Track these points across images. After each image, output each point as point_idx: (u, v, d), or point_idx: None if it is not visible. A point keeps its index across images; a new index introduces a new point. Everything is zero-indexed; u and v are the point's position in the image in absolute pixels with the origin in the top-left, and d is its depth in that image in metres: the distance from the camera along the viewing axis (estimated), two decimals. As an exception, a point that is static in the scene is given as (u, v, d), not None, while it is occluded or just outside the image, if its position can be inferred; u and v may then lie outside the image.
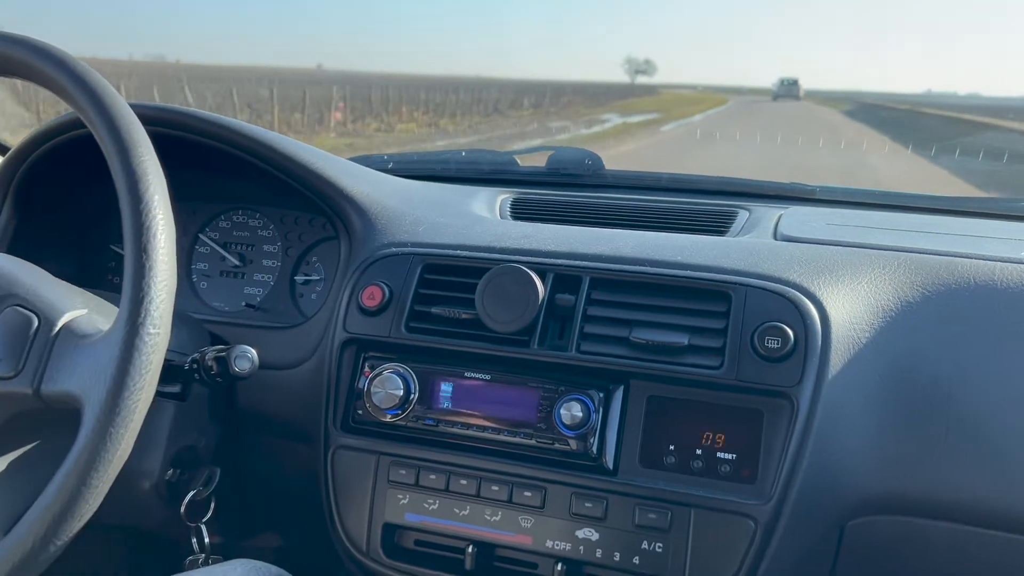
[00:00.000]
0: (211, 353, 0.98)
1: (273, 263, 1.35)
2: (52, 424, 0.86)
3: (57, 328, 0.82)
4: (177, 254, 0.81)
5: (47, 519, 0.73)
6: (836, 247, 1.11)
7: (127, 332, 0.75)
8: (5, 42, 0.86)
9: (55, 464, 0.75)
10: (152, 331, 0.76)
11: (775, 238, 1.18)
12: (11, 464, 0.86)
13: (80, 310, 0.85)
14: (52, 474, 0.75)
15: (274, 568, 1.00)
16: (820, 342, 0.96)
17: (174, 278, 0.79)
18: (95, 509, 0.75)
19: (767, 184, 1.53)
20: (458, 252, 1.12)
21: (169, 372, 0.82)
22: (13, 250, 1.27)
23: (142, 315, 0.76)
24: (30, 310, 0.83)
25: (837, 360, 0.96)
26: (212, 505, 1.14)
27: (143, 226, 0.78)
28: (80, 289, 0.92)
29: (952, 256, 1.08)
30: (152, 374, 0.76)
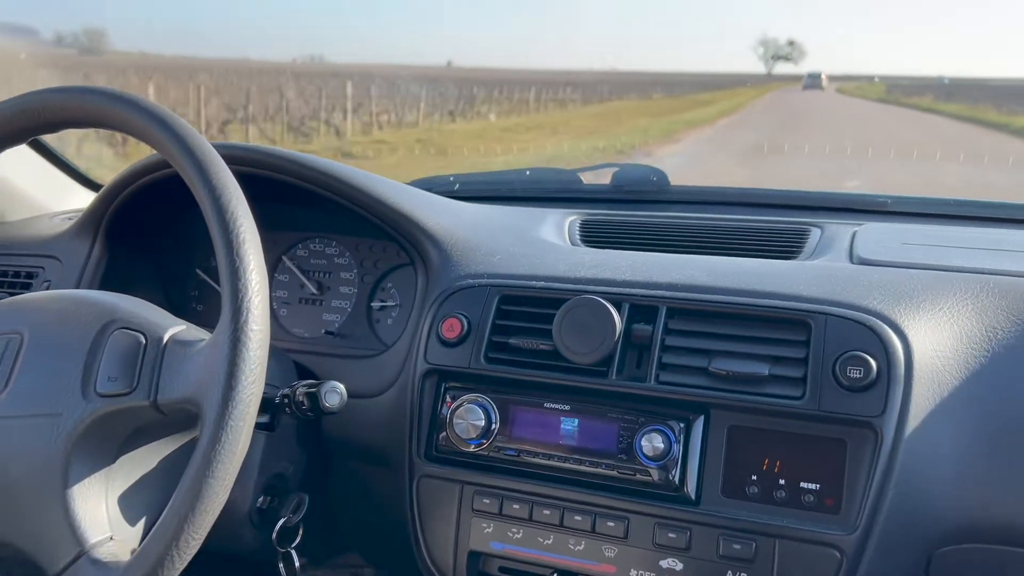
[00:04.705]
0: (302, 388, 1.01)
1: (350, 290, 1.39)
2: (171, 441, 0.91)
3: (164, 342, 0.86)
4: None
5: (183, 512, 0.75)
6: (915, 270, 1.10)
7: (232, 330, 0.79)
8: (104, 97, 0.90)
9: (178, 477, 0.78)
10: (255, 327, 0.80)
11: (851, 261, 1.18)
12: (137, 479, 0.89)
13: (181, 326, 0.89)
14: (175, 485, 0.78)
15: None
16: (903, 371, 0.95)
17: (266, 281, 0.83)
18: (223, 502, 0.78)
19: (837, 196, 1.52)
20: (533, 283, 1.13)
21: (260, 404, 0.85)
22: (104, 284, 1.33)
23: (244, 314, 0.79)
24: (135, 330, 0.87)
25: (921, 389, 0.96)
26: (301, 531, 1.18)
27: (233, 248, 0.82)
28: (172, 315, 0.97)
29: None
30: (260, 367, 0.80)
